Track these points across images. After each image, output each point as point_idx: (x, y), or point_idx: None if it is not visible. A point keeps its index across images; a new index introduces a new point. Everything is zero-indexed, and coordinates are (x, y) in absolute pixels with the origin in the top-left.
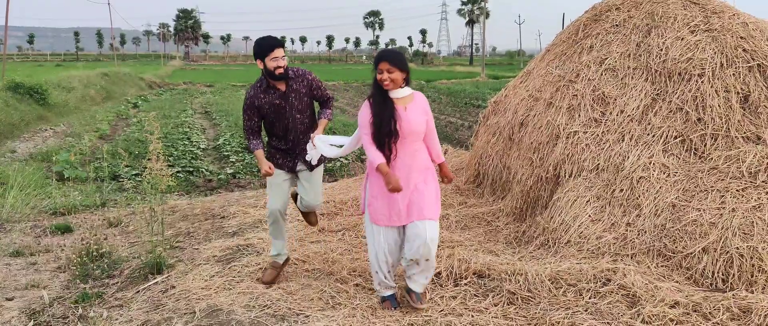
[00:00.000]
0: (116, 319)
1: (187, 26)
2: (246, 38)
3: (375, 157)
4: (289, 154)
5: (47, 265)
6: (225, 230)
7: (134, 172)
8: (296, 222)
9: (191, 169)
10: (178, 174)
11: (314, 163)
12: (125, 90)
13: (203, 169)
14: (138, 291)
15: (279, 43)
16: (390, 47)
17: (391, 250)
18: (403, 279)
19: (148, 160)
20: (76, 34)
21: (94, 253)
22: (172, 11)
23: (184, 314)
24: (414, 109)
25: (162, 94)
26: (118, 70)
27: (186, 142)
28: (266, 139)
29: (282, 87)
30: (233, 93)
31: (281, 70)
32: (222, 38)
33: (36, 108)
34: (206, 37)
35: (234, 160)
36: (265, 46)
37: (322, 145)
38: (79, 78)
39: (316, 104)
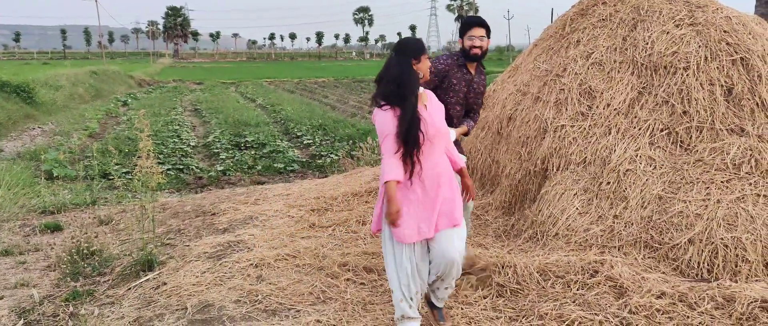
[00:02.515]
0: (108, 316)
1: (176, 24)
2: (235, 35)
3: (390, 169)
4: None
5: (37, 264)
6: (216, 227)
7: (125, 171)
8: (287, 219)
9: (181, 167)
10: (168, 172)
11: None
12: (114, 88)
13: (193, 167)
14: (129, 289)
15: (479, 21)
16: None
17: (419, 270)
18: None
19: (138, 157)
20: (63, 31)
21: (85, 251)
22: (160, 8)
23: (176, 310)
24: (433, 107)
25: (151, 91)
26: (107, 68)
27: (176, 140)
28: None
29: (473, 70)
30: (223, 90)
31: (477, 51)
32: (211, 35)
33: (23, 106)
34: (195, 34)
35: (224, 157)
36: (465, 24)
37: None
38: (66, 76)
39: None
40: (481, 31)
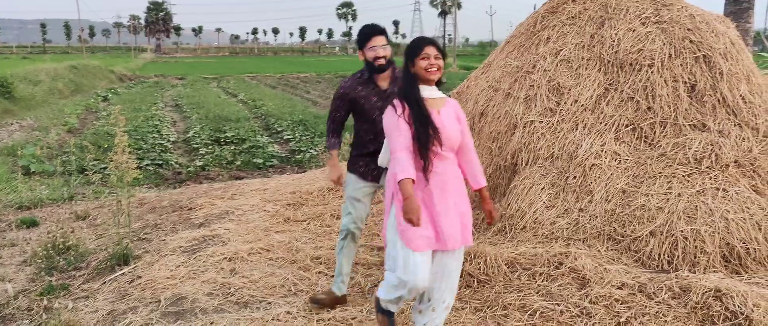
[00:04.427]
0: (82, 310)
1: (158, 18)
2: (218, 30)
3: (404, 168)
4: (374, 161)
5: (12, 259)
6: (192, 221)
7: (102, 166)
8: (262, 213)
9: (160, 162)
10: (147, 167)
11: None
12: (95, 83)
13: (172, 162)
14: (104, 283)
15: (378, 30)
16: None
17: (426, 278)
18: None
19: (114, 152)
20: (43, 25)
21: (61, 246)
22: (142, 3)
23: (150, 303)
24: (448, 114)
25: (133, 87)
26: (88, 63)
27: (156, 135)
28: (352, 139)
29: (384, 84)
30: (204, 85)
31: (382, 61)
32: (194, 30)
33: (1, 102)
34: (178, 29)
35: (203, 152)
36: (363, 34)
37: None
38: (46, 71)
39: None
40: (382, 40)
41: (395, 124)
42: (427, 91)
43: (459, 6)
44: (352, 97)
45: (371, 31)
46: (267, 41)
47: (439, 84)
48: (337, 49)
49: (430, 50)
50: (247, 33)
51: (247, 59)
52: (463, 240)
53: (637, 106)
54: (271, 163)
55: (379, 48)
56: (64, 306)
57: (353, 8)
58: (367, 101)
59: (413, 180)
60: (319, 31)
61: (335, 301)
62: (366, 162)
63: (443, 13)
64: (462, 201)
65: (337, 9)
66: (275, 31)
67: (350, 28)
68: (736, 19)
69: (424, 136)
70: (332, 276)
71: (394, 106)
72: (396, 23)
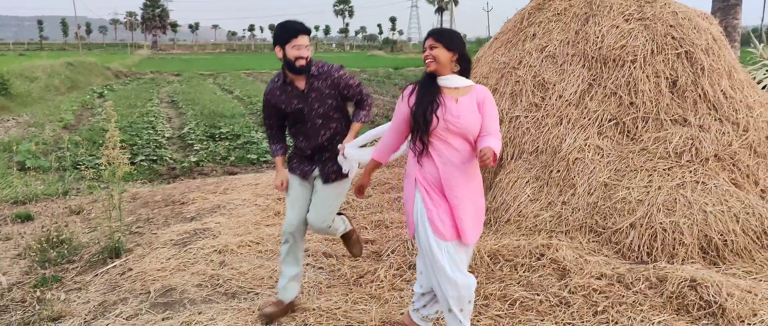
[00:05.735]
0: (74, 301)
1: (154, 14)
2: (215, 27)
3: (379, 147)
4: (306, 158)
5: (7, 252)
6: (183, 215)
7: (97, 161)
8: (253, 207)
9: (155, 158)
10: (141, 163)
11: (351, 172)
12: (91, 79)
13: (167, 158)
14: (96, 275)
15: (304, 28)
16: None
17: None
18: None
19: (105, 147)
20: (40, 22)
21: (55, 240)
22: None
23: (139, 294)
24: (467, 103)
25: (129, 83)
26: (84, 60)
27: (150, 131)
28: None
29: (302, 85)
30: (200, 82)
31: (303, 62)
32: (190, 27)
33: None
34: (174, 25)
35: (198, 148)
36: (288, 30)
37: (354, 153)
38: (42, 67)
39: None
40: (307, 40)
41: (397, 108)
42: (445, 81)
43: (456, 2)
44: (273, 103)
45: (298, 28)
46: (264, 38)
47: (465, 73)
48: (334, 45)
49: (427, 43)
50: (244, 30)
51: (244, 56)
52: (476, 236)
53: (619, 101)
54: (265, 159)
55: (303, 48)
56: (57, 297)
57: (350, 5)
58: (288, 105)
59: (379, 164)
60: (316, 28)
61: (285, 310)
62: (299, 159)
63: (440, 10)
64: (477, 196)
65: (334, 6)
66: (272, 28)
67: (347, 24)
68: (723, 15)
69: (419, 120)
70: (320, 267)
71: (403, 90)
72: (393, 20)
